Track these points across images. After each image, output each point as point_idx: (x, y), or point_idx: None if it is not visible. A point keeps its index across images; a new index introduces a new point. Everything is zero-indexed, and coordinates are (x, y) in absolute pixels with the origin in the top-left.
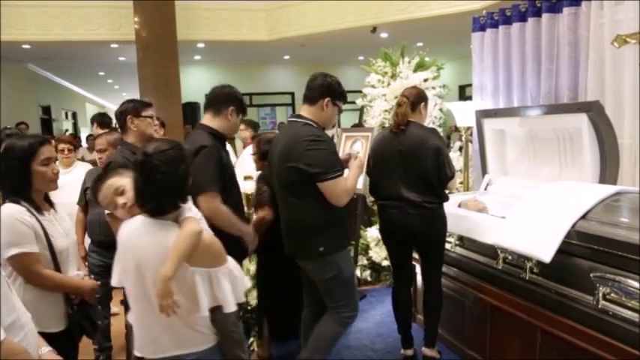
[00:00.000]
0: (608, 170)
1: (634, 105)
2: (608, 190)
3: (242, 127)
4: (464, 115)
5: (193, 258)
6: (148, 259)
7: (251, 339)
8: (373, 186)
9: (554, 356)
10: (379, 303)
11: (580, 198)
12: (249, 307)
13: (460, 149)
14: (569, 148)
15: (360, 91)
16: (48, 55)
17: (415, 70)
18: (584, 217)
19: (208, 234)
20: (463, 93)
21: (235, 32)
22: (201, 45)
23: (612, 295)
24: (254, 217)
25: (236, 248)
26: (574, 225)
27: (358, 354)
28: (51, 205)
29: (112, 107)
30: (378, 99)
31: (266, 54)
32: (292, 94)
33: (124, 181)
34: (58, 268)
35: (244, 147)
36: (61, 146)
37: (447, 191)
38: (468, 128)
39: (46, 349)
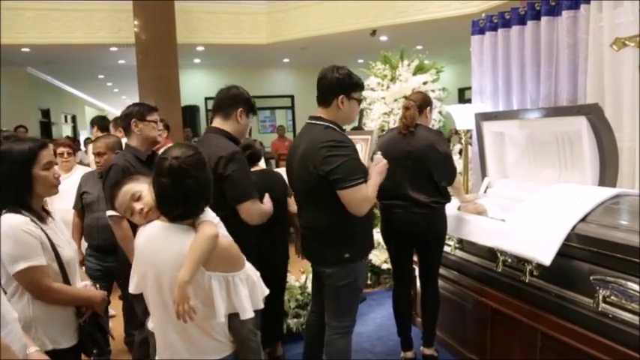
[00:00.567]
0: (608, 173)
1: (633, 108)
2: (608, 192)
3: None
4: (463, 117)
5: (210, 262)
6: (166, 264)
7: None
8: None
9: (554, 359)
10: (379, 306)
11: (580, 200)
12: None
13: (460, 152)
14: (569, 150)
15: None
16: (48, 58)
17: (414, 73)
18: (583, 219)
19: (226, 238)
20: (463, 96)
21: (235, 35)
22: (201, 48)
23: (612, 297)
24: None
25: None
26: (574, 227)
27: (358, 357)
28: (47, 213)
29: (111, 110)
30: (377, 102)
31: (266, 57)
32: (292, 97)
33: (140, 187)
34: (66, 280)
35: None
36: (59, 150)
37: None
38: (468, 131)
39: (33, 349)
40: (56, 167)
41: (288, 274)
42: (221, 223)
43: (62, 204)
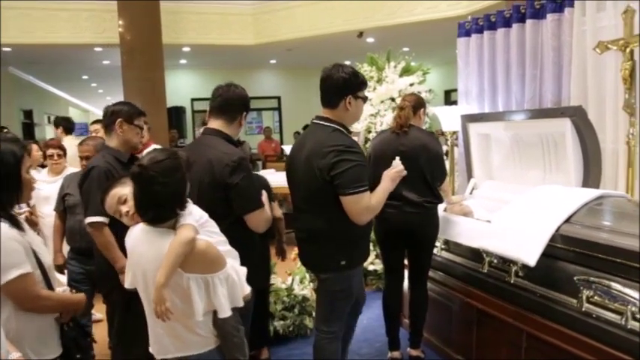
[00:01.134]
0: (592, 174)
1: (616, 110)
2: (592, 193)
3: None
4: (449, 119)
5: (188, 264)
6: (149, 265)
7: None
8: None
9: (539, 359)
10: (366, 308)
11: (564, 202)
12: None
13: (446, 154)
14: (554, 152)
15: None
16: (30, 58)
17: (401, 75)
18: (568, 220)
19: (204, 240)
20: (449, 98)
21: (222, 36)
22: (187, 49)
23: (596, 297)
24: None
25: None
26: (558, 229)
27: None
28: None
29: (95, 111)
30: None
31: (252, 58)
32: (279, 98)
33: (126, 190)
34: (49, 287)
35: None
36: (49, 151)
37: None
38: (454, 132)
39: (15, 355)
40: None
41: (274, 277)
42: (210, 222)
43: (51, 209)
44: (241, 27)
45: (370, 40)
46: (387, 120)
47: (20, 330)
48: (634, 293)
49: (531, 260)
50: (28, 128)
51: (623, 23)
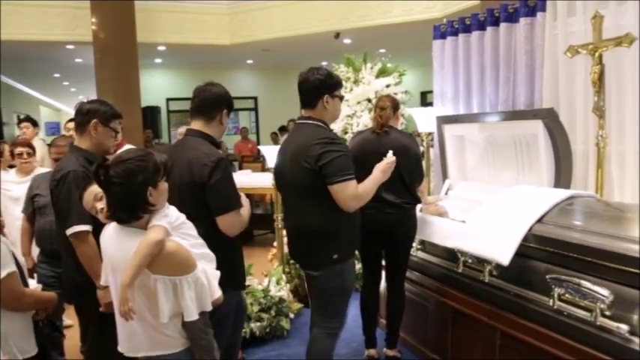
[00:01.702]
0: (563, 175)
1: (585, 112)
2: (563, 194)
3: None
4: (425, 120)
5: (155, 266)
6: (119, 264)
7: None
8: None
9: (513, 357)
10: None
11: (536, 202)
12: None
13: (422, 154)
14: (526, 153)
15: None
16: None
17: (377, 76)
18: (540, 220)
19: (174, 242)
20: (425, 99)
21: (198, 35)
22: (162, 48)
23: (567, 295)
24: None
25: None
26: (531, 228)
27: None
28: None
29: (68, 110)
30: None
31: (229, 58)
32: (255, 98)
33: None
34: (25, 285)
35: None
36: (18, 150)
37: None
38: (429, 134)
39: None
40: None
41: (250, 278)
42: (186, 224)
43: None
44: (217, 26)
45: (347, 41)
46: (363, 121)
47: (7, 329)
48: (603, 291)
49: (505, 260)
50: None
51: (592, 28)
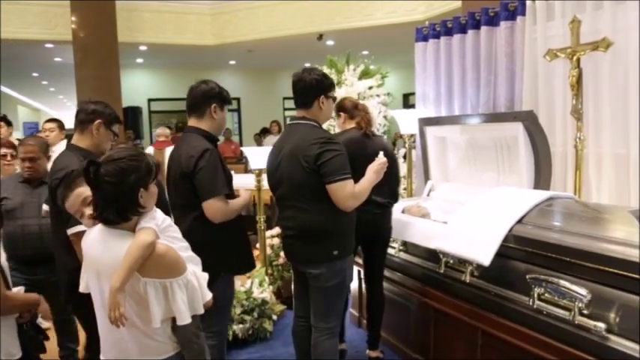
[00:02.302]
0: (542, 176)
1: (564, 115)
2: (542, 195)
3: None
4: (407, 122)
5: (146, 269)
6: (105, 268)
7: None
8: None
9: (494, 356)
10: None
11: (516, 203)
12: None
13: (404, 156)
14: (507, 155)
15: None
16: None
17: (360, 78)
18: (520, 221)
19: (164, 244)
20: (407, 101)
21: (180, 36)
22: (143, 48)
23: (546, 295)
24: None
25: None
26: (511, 229)
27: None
28: None
29: (47, 111)
30: None
31: (212, 59)
32: (238, 99)
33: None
34: (8, 287)
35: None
36: (2, 151)
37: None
38: (412, 135)
39: None
40: None
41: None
42: (172, 227)
43: None
44: (200, 27)
45: (330, 42)
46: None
47: None
48: (581, 290)
49: (486, 260)
50: None
51: (570, 33)
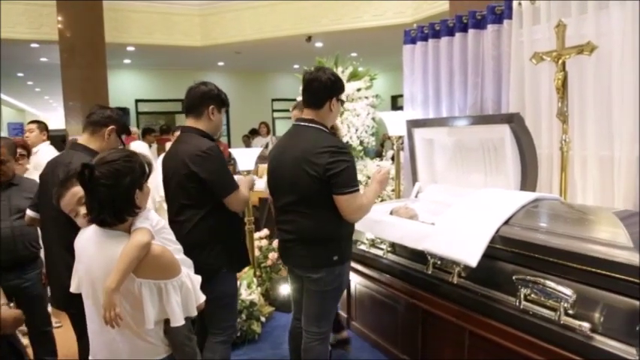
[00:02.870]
0: (529, 177)
1: (550, 117)
2: (529, 196)
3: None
4: (395, 124)
5: (141, 270)
6: (99, 268)
7: None
8: None
9: (481, 357)
10: None
11: (503, 204)
12: None
13: (392, 158)
14: (494, 156)
15: (295, 100)
16: None
17: (349, 80)
18: (507, 222)
19: (159, 245)
20: (395, 103)
21: (168, 36)
22: (131, 48)
23: (532, 295)
24: None
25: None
26: (498, 230)
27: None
28: None
29: (33, 111)
30: None
31: (200, 60)
32: None
33: None
34: None
35: None
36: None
37: None
38: (400, 137)
39: None
40: None
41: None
42: (166, 229)
43: None
44: (188, 28)
45: (319, 44)
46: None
47: None
48: (566, 290)
49: (473, 261)
50: None
51: (555, 36)
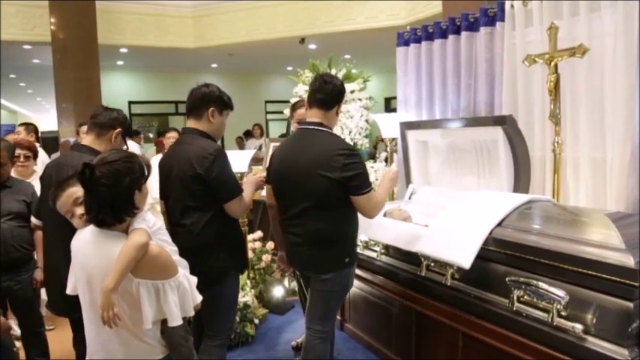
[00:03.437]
0: (522, 179)
1: (543, 119)
2: (521, 198)
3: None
4: (389, 126)
5: (139, 270)
6: (96, 269)
7: None
8: None
9: (474, 358)
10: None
11: (496, 206)
12: None
13: (386, 159)
14: (487, 158)
15: (288, 102)
16: None
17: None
18: (500, 224)
19: (156, 245)
20: (389, 105)
21: (161, 38)
22: (124, 50)
23: (525, 297)
24: None
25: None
26: (491, 232)
27: None
28: None
29: (25, 113)
30: None
31: (193, 62)
32: None
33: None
34: None
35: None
36: (17, 152)
37: None
38: (393, 139)
39: None
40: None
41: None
42: (163, 230)
43: None
44: (181, 29)
45: (312, 46)
46: None
47: None
48: (559, 292)
49: (466, 263)
50: None
51: (548, 39)
